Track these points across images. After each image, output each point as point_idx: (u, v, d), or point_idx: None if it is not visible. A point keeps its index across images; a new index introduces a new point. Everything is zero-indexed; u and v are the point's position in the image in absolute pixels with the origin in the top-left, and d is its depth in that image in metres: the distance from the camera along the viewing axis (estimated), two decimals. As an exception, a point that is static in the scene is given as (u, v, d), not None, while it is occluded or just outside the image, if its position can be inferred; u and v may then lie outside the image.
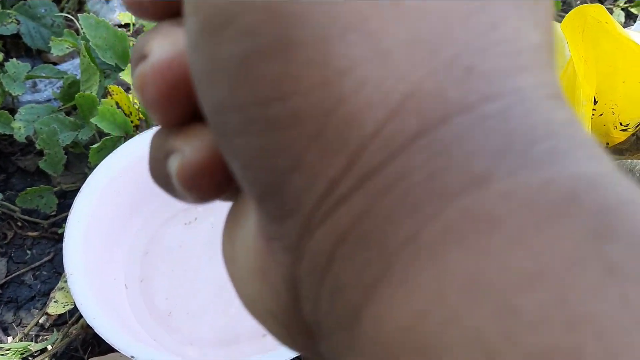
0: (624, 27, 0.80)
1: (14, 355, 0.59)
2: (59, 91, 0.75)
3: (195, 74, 0.13)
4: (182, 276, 0.64)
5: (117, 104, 0.68)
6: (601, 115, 0.67)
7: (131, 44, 0.76)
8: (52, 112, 0.72)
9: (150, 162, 0.16)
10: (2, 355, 0.59)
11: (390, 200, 0.11)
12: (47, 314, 0.63)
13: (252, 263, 0.14)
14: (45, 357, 0.60)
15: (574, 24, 0.59)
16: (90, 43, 0.70)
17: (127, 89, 0.72)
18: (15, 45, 0.87)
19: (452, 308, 0.10)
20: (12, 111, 0.73)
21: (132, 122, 0.68)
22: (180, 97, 0.14)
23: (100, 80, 0.69)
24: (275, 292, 0.14)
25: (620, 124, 0.67)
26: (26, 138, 0.71)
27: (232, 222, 0.15)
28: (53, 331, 0.63)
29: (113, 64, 0.72)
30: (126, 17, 0.86)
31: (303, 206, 0.12)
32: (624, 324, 0.09)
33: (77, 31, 0.79)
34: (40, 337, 0.63)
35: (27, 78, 0.75)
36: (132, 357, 0.50)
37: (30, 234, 0.70)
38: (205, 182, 0.15)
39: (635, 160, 0.60)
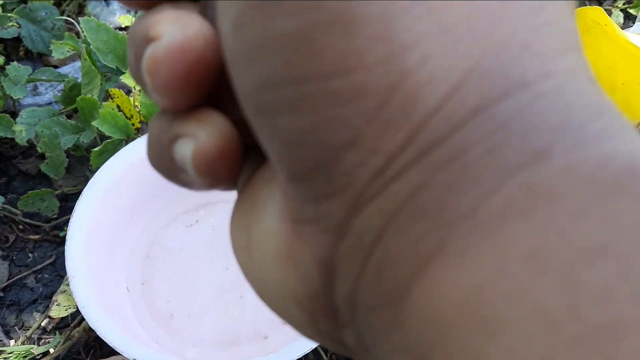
0: (623, 28, 0.80)
1: (16, 359, 0.60)
2: (60, 94, 0.75)
3: (236, 50, 0.12)
4: (183, 278, 0.64)
5: (118, 107, 0.68)
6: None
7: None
8: (53, 115, 0.72)
9: (151, 147, 0.16)
10: (5, 358, 0.60)
11: (450, 174, 0.11)
12: (49, 316, 0.64)
13: (276, 248, 0.14)
14: None
15: (573, 26, 0.59)
16: (91, 46, 0.70)
17: (128, 92, 0.72)
18: (15, 49, 0.87)
19: (515, 281, 0.10)
20: (14, 114, 0.73)
21: (133, 125, 0.69)
22: (193, 81, 0.14)
23: (101, 84, 0.69)
24: (302, 276, 0.13)
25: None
26: (27, 141, 0.71)
27: (244, 210, 0.15)
28: (55, 334, 0.63)
29: (114, 67, 0.72)
30: (127, 20, 0.87)
31: (355, 183, 0.12)
32: None
33: (77, 34, 0.79)
34: (43, 340, 0.63)
35: (28, 81, 0.75)
36: (134, 359, 0.51)
37: (32, 237, 0.70)
38: (221, 168, 0.14)
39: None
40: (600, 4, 0.95)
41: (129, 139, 0.68)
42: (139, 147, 0.65)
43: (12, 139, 0.73)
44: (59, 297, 0.62)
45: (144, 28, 0.14)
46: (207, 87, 0.14)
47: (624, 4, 0.94)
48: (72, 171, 0.74)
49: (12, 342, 0.63)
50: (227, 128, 0.14)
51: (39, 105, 0.78)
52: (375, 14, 0.11)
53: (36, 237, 0.70)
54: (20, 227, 0.71)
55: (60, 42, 0.74)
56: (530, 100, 0.11)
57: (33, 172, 0.76)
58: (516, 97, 0.11)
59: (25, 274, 0.68)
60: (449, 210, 0.11)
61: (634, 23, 0.79)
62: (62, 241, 0.69)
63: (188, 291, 0.63)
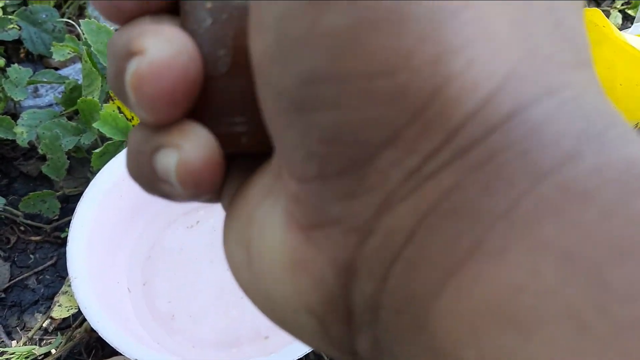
0: (621, 28, 0.80)
1: (18, 359, 0.60)
2: (60, 96, 0.76)
3: (278, 43, 0.12)
4: (184, 279, 0.65)
5: (119, 108, 0.68)
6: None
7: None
8: (54, 117, 0.72)
9: (131, 158, 0.15)
10: (7, 359, 0.60)
11: (484, 175, 0.11)
12: (51, 317, 0.64)
13: (284, 259, 0.14)
14: (49, 360, 0.61)
15: (571, 27, 0.59)
16: (92, 48, 0.70)
17: (129, 94, 0.72)
18: (16, 51, 0.88)
19: (548, 282, 0.10)
20: (15, 116, 0.73)
21: (133, 126, 0.69)
22: (178, 97, 0.14)
23: (102, 85, 0.70)
24: (317, 283, 0.13)
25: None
26: (29, 143, 0.71)
27: (240, 226, 0.15)
28: (57, 335, 0.63)
29: (114, 69, 0.72)
30: (127, 22, 0.87)
31: (388, 182, 0.12)
32: None
33: (78, 36, 0.79)
34: (44, 341, 0.63)
35: (29, 83, 0.75)
36: (135, 359, 0.51)
37: (33, 238, 0.71)
38: (206, 179, 0.14)
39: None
40: (598, 5, 0.95)
41: (129, 141, 0.68)
42: (139, 148, 0.65)
43: (13, 141, 0.73)
44: (60, 298, 0.63)
45: (125, 41, 0.14)
46: (190, 102, 0.14)
47: (622, 5, 0.95)
48: (73, 173, 0.74)
49: (13, 343, 0.63)
50: (210, 140, 0.14)
51: (40, 107, 0.78)
52: (425, 14, 0.11)
53: (37, 238, 0.71)
54: (22, 228, 0.71)
55: (61, 44, 0.75)
56: (556, 106, 0.11)
57: (34, 173, 0.76)
58: (544, 103, 0.11)
59: (26, 275, 0.68)
60: (485, 210, 0.11)
61: (632, 24, 0.80)
62: (63, 242, 0.69)
63: (189, 292, 0.64)
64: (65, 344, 0.62)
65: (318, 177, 0.12)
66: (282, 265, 0.14)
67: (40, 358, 0.61)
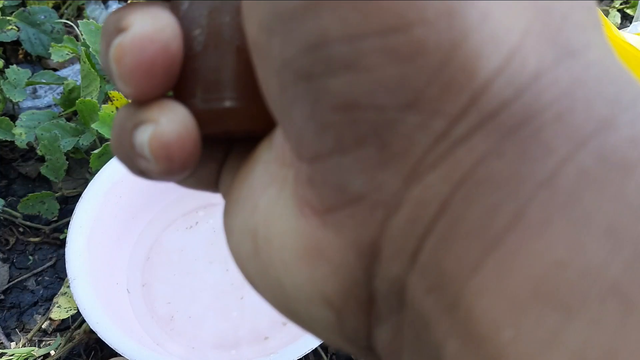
0: (620, 27, 0.80)
1: (17, 361, 0.60)
2: (59, 97, 0.75)
3: (281, 9, 0.12)
4: (183, 280, 0.65)
5: (117, 109, 0.68)
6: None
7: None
8: (53, 118, 0.72)
9: (115, 134, 0.16)
10: (6, 360, 0.60)
11: (520, 140, 0.11)
12: (50, 319, 0.64)
13: (298, 247, 0.13)
14: (49, 362, 0.61)
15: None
16: (90, 49, 0.70)
17: (127, 95, 0.72)
18: (15, 52, 0.88)
19: (592, 258, 0.10)
20: (13, 117, 0.73)
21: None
22: (157, 71, 0.14)
23: (100, 86, 0.70)
24: (335, 269, 0.13)
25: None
26: (27, 144, 0.71)
27: (244, 217, 0.15)
28: (56, 336, 0.63)
29: (113, 69, 0.72)
30: (125, 22, 0.87)
31: (414, 148, 0.11)
32: None
33: (76, 37, 0.79)
34: (44, 342, 0.63)
35: (28, 84, 0.75)
36: (135, 361, 0.51)
37: (32, 239, 0.70)
38: (177, 154, 0.14)
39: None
40: (597, 5, 0.95)
41: (128, 142, 0.68)
42: (138, 149, 0.65)
43: (12, 142, 0.73)
44: (59, 299, 0.63)
45: (116, 20, 0.15)
46: (170, 79, 0.15)
47: (621, 4, 0.95)
48: (72, 174, 0.74)
49: (12, 344, 0.63)
50: (186, 116, 0.15)
51: (39, 108, 0.78)
52: None
53: (36, 239, 0.70)
54: (21, 229, 0.71)
55: (60, 45, 0.74)
56: (583, 69, 0.11)
57: (33, 174, 0.76)
58: (569, 65, 0.11)
59: (25, 276, 0.68)
60: (525, 178, 0.10)
61: (631, 23, 0.80)
62: (62, 243, 0.69)
63: (188, 293, 0.64)
64: (64, 345, 0.62)
65: (335, 150, 0.12)
66: (295, 254, 0.13)
67: (39, 359, 0.61)
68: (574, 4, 0.12)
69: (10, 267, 0.69)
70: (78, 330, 0.62)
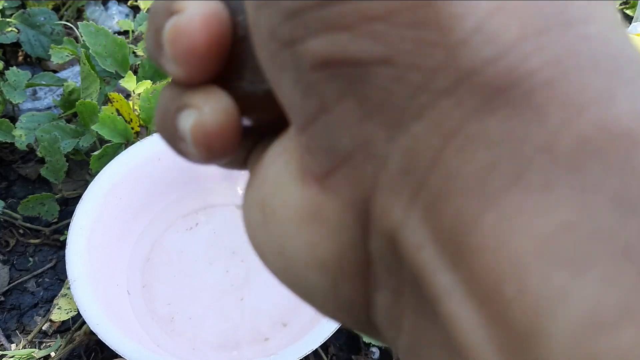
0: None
1: (17, 362, 0.60)
2: (59, 99, 0.76)
3: None
4: (183, 281, 0.65)
5: (117, 111, 0.68)
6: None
7: (131, 51, 0.76)
8: (52, 119, 0.72)
9: (159, 113, 0.16)
10: (6, 362, 0.60)
11: (511, 100, 0.11)
12: (50, 320, 0.64)
13: (299, 212, 0.14)
14: (49, 363, 0.61)
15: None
16: (90, 51, 0.70)
17: (127, 96, 0.72)
18: (15, 54, 0.88)
19: (601, 222, 0.09)
20: (13, 119, 0.73)
21: (132, 128, 0.69)
22: (211, 53, 0.15)
23: (100, 88, 0.70)
24: (331, 232, 0.13)
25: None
26: (27, 146, 0.71)
27: (255, 188, 0.15)
28: (56, 338, 0.63)
29: (113, 71, 0.72)
30: (125, 24, 0.87)
31: (393, 98, 0.12)
32: None
33: (76, 39, 0.79)
34: (44, 344, 0.63)
35: (28, 86, 0.75)
36: (135, 362, 0.51)
37: (32, 241, 0.71)
38: (217, 143, 0.15)
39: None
40: (596, 5, 0.95)
41: (128, 143, 0.68)
42: (138, 150, 0.65)
43: (12, 144, 0.73)
44: (59, 301, 0.63)
45: (166, 4, 0.15)
46: (220, 62, 0.15)
47: (620, 5, 0.95)
48: (72, 175, 0.74)
49: (13, 346, 0.63)
50: (231, 107, 0.15)
51: (39, 110, 0.78)
52: None
53: (36, 241, 0.70)
54: (21, 231, 0.71)
55: (59, 46, 0.75)
56: (577, 40, 0.11)
57: (33, 176, 0.76)
58: (560, 34, 0.11)
59: (25, 278, 0.68)
60: (521, 140, 0.10)
61: (630, 24, 0.80)
62: (62, 245, 0.69)
63: (188, 294, 0.64)
64: (64, 346, 0.62)
65: (320, 110, 0.12)
66: (295, 220, 0.14)
67: (39, 361, 0.61)
68: None
69: (10, 269, 0.69)
70: (78, 332, 0.62)
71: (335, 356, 0.63)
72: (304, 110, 0.13)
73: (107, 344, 0.51)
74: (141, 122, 0.69)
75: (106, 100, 0.70)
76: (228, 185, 0.70)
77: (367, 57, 0.12)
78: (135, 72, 0.74)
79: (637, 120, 0.10)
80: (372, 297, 0.13)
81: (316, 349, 0.56)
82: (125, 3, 0.96)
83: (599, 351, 0.09)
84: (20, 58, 0.88)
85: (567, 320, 0.09)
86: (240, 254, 0.66)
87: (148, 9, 0.91)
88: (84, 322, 0.62)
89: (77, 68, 0.84)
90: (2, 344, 0.63)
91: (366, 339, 0.62)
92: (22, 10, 0.82)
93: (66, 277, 0.57)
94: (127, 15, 0.94)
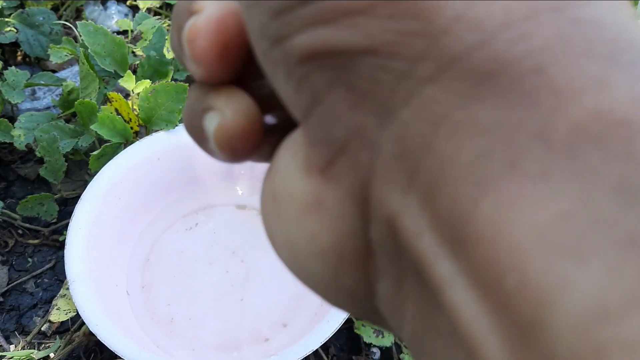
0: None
1: (16, 363, 0.60)
2: (58, 99, 0.75)
3: None
4: (183, 282, 0.64)
5: (116, 110, 0.68)
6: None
7: (130, 50, 0.76)
8: (51, 119, 0.72)
9: (187, 114, 0.17)
10: (5, 363, 0.59)
11: (500, 87, 0.11)
12: (49, 321, 0.63)
13: (301, 202, 0.14)
14: (48, 364, 0.61)
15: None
16: (89, 50, 0.70)
17: (127, 96, 0.72)
18: (13, 54, 0.87)
19: (603, 210, 0.09)
20: (12, 119, 0.73)
21: (131, 128, 0.69)
22: (228, 53, 0.15)
23: (99, 87, 0.69)
24: (330, 222, 0.13)
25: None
26: (26, 146, 0.71)
27: (269, 179, 0.16)
28: (55, 338, 0.63)
29: (112, 70, 0.72)
30: (124, 24, 0.87)
31: (380, 87, 0.12)
32: None
33: (75, 38, 0.79)
34: (43, 345, 0.63)
35: (27, 86, 0.75)
36: (135, 363, 0.50)
37: (31, 241, 0.70)
38: (239, 146, 0.15)
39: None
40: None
41: (127, 143, 0.68)
42: (137, 150, 0.65)
43: (11, 144, 0.73)
44: (58, 302, 0.62)
45: (187, 4, 0.15)
46: (240, 62, 0.15)
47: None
48: (71, 175, 0.74)
49: (12, 347, 0.63)
50: (253, 108, 0.15)
51: (38, 110, 0.78)
52: None
53: (35, 241, 0.70)
54: (20, 231, 0.71)
55: (58, 46, 0.74)
56: (568, 24, 0.11)
57: (32, 176, 0.76)
58: (549, 19, 0.11)
59: (24, 278, 0.68)
60: (513, 127, 0.10)
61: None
62: (61, 245, 0.69)
63: (188, 294, 0.63)
64: (63, 347, 0.61)
65: (313, 101, 0.13)
66: (300, 209, 0.14)
67: (38, 362, 0.61)
68: None
69: (9, 270, 0.68)
70: (77, 333, 0.62)
71: (335, 357, 0.63)
72: (299, 104, 0.13)
73: (106, 344, 0.51)
74: (140, 121, 0.69)
75: (105, 100, 0.70)
76: (228, 185, 0.70)
77: (350, 47, 0.12)
78: (134, 72, 0.73)
79: (636, 106, 0.10)
80: (374, 286, 0.13)
81: (316, 350, 0.56)
82: (124, 3, 0.96)
83: (605, 342, 0.09)
84: (19, 58, 0.87)
85: (571, 310, 0.09)
86: (240, 254, 0.66)
87: (147, 9, 0.91)
88: (83, 323, 0.62)
89: (76, 68, 0.83)
90: (1, 345, 0.63)
91: (367, 340, 0.62)
92: (21, 10, 0.82)
93: (65, 277, 0.56)
94: (126, 15, 0.94)
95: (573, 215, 0.09)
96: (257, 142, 0.16)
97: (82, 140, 0.70)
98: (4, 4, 0.83)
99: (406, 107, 0.12)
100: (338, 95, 0.12)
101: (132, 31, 0.86)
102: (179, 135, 0.66)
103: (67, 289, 0.62)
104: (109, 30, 0.72)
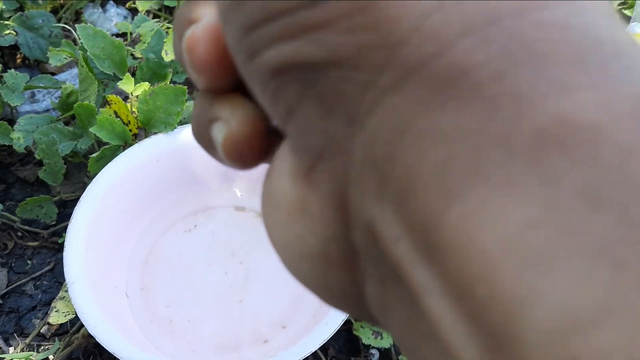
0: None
1: (16, 365, 0.60)
2: (57, 101, 0.75)
3: (222, 7, 0.13)
4: (182, 283, 0.64)
5: (115, 113, 0.68)
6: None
7: (129, 53, 0.76)
8: (51, 122, 0.72)
9: (195, 124, 0.17)
10: (4, 365, 0.60)
11: (460, 94, 0.11)
12: (48, 323, 0.63)
13: (289, 207, 0.14)
14: (47, 366, 0.61)
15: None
16: (88, 53, 0.70)
17: (125, 98, 0.72)
18: (13, 56, 0.88)
19: (569, 217, 0.09)
20: (11, 122, 0.73)
21: (130, 131, 0.69)
22: (229, 61, 0.15)
23: (98, 90, 0.70)
24: (315, 226, 0.13)
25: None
26: (25, 148, 0.71)
27: (267, 180, 0.16)
28: (55, 341, 0.63)
29: (111, 73, 0.72)
30: (123, 26, 0.87)
31: (345, 97, 0.12)
32: None
33: (74, 41, 0.79)
34: (42, 347, 0.63)
35: (26, 88, 0.75)
36: (134, 365, 0.50)
37: (30, 244, 0.70)
38: (247, 153, 0.16)
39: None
40: (595, 6, 0.95)
41: (126, 145, 0.68)
42: (136, 152, 0.65)
43: (10, 146, 0.73)
44: (57, 304, 0.62)
45: (187, 12, 0.15)
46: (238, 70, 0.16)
47: (618, 5, 0.95)
48: (70, 178, 0.74)
49: (11, 349, 0.63)
50: (257, 116, 0.15)
51: (37, 112, 0.78)
52: None
53: (35, 243, 0.70)
54: (19, 234, 0.71)
55: (57, 49, 0.74)
56: (531, 28, 0.11)
57: (31, 179, 0.76)
58: (510, 24, 0.11)
59: (24, 280, 0.68)
60: (474, 134, 0.10)
61: (628, 24, 0.80)
62: (60, 248, 0.69)
63: (187, 296, 0.63)
64: (63, 349, 0.61)
65: (288, 112, 0.13)
66: (288, 213, 0.14)
67: (38, 364, 0.61)
68: None
69: (8, 272, 0.69)
70: (76, 335, 0.62)
71: (334, 358, 0.63)
72: (276, 114, 0.14)
73: (105, 346, 0.51)
74: (139, 124, 0.69)
75: (104, 103, 0.70)
76: (226, 187, 0.70)
77: (314, 61, 0.12)
78: (133, 74, 0.73)
79: (601, 110, 0.10)
80: (363, 287, 0.13)
81: (315, 351, 0.56)
82: (124, 5, 0.96)
83: (577, 353, 0.08)
84: (19, 60, 0.87)
85: (541, 322, 0.09)
86: (239, 255, 0.66)
87: (146, 11, 0.91)
88: (82, 325, 0.62)
89: (75, 70, 0.84)
90: (0, 347, 0.63)
91: (365, 341, 0.62)
92: (21, 12, 0.82)
93: (64, 279, 0.56)
94: (125, 18, 0.94)
95: (539, 223, 0.09)
96: (265, 148, 0.16)
97: (81, 143, 0.70)
98: (4, 6, 0.83)
99: (372, 116, 0.12)
100: (309, 106, 0.13)
101: (131, 34, 0.86)
102: (178, 138, 0.66)
103: (66, 291, 0.63)
104: (108, 32, 0.73)
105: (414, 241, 0.11)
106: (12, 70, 0.75)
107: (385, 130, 0.11)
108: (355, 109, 0.12)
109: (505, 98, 0.10)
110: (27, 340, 0.63)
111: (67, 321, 0.62)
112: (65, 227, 0.61)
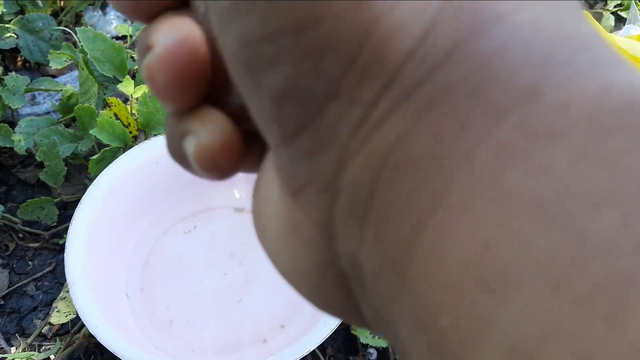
0: (614, 31, 0.81)
1: (17, 365, 0.60)
2: (58, 103, 0.76)
3: (219, 11, 0.13)
4: (182, 284, 0.65)
5: (115, 115, 0.68)
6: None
7: (129, 56, 0.77)
8: (51, 124, 0.73)
9: (167, 142, 0.16)
10: (6, 365, 0.60)
11: (434, 118, 0.10)
12: (49, 323, 0.64)
13: (282, 226, 0.14)
14: (49, 366, 0.61)
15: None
16: (88, 56, 0.70)
17: (125, 101, 0.73)
18: (14, 59, 0.88)
19: (520, 236, 0.09)
20: (12, 124, 0.74)
21: (130, 133, 0.69)
22: (188, 82, 0.14)
23: (98, 92, 0.70)
24: (307, 248, 0.13)
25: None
26: (26, 150, 0.71)
27: (257, 196, 0.16)
28: (56, 340, 0.63)
29: (111, 75, 0.73)
30: (123, 29, 0.87)
31: (339, 136, 0.12)
32: None
33: (75, 44, 0.80)
34: (43, 347, 0.64)
35: (27, 91, 0.76)
36: (134, 364, 0.51)
37: (31, 245, 0.71)
38: (222, 162, 0.15)
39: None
40: (591, 7, 0.96)
41: (126, 147, 0.68)
42: (136, 154, 0.65)
43: (11, 148, 0.73)
44: (59, 304, 0.63)
45: (143, 38, 0.15)
46: (204, 84, 0.15)
47: (614, 7, 0.95)
48: (70, 179, 0.75)
49: (12, 349, 0.64)
50: (227, 125, 0.15)
51: (37, 115, 0.78)
52: None
53: (36, 245, 0.71)
54: (20, 235, 0.72)
55: (58, 52, 0.75)
56: (507, 34, 0.11)
57: (32, 180, 0.76)
58: (491, 32, 0.11)
59: (25, 281, 0.68)
60: (440, 158, 0.10)
61: (624, 25, 0.80)
62: (61, 249, 0.70)
63: (187, 297, 0.64)
64: (64, 349, 0.62)
65: (282, 138, 0.13)
66: (280, 232, 0.14)
67: (39, 364, 0.62)
68: None
69: (10, 273, 0.69)
70: (77, 335, 0.63)
71: (333, 357, 0.63)
72: (269, 135, 0.13)
73: (106, 346, 0.51)
74: (139, 126, 0.70)
75: (104, 105, 0.70)
76: (226, 188, 0.71)
77: (314, 95, 0.12)
78: (133, 77, 0.74)
79: (561, 114, 0.10)
80: (359, 303, 0.13)
81: (314, 350, 0.56)
82: (123, 8, 0.96)
83: None
84: (19, 63, 0.88)
85: (493, 351, 0.09)
86: (239, 256, 0.67)
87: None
88: (83, 325, 0.62)
89: (75, 73, 0.84)
90: (2, 347, 0.63)
91: (364, 340, 0.62)
92: (21, 15, 0.82)
93: (65, 280, 0.57)
94: (125, 20, 0.95)
95: (493, 246, 0.09)
96: (239, 155, 0.15)
97: (81, 145, 0.70)
98: (4, 9, 0.84)
99: (357, 156, 0.12)
100: (305, 140, 0.12)
101: (131, 36, 0.86)
102: (178, 139, 0.67)
103: (67, 291, 0.63)
104: (108, 35, 0.73)
105: (390, 274, 0.11)
106: (13, 73, 0.75)
107: (366, 170, 0.11)
108: (346, 148, 0.12)
109: (475, 116, 0.10)
110: (29, 340, 0.63)
111: (68, 321, 0.62)
112: (66, 229, 0.61)
